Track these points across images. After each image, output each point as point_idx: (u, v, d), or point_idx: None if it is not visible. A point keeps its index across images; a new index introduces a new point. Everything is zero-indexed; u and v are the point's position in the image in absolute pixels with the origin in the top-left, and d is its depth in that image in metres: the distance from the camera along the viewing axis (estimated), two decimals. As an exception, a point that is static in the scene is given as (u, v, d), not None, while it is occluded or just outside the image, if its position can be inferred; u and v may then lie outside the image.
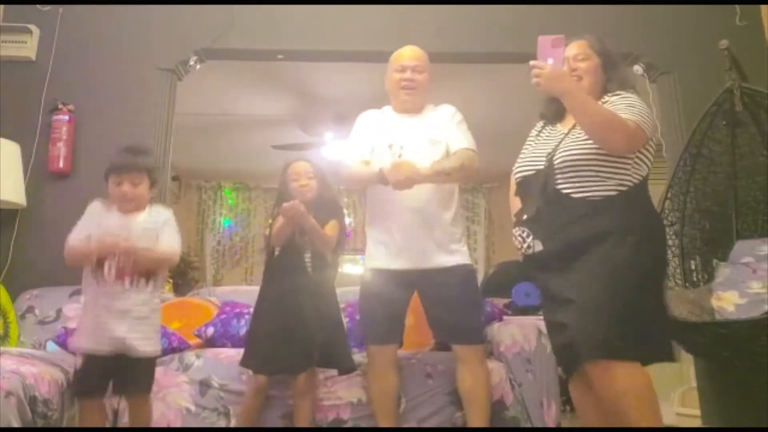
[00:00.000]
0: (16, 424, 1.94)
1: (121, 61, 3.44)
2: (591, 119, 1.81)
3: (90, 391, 2.04)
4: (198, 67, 3.60)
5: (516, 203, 2.05)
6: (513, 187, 2.09)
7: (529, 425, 2.46)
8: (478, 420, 2.26)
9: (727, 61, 2.57)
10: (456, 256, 2.31)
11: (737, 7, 3.48)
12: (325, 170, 2.49)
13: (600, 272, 1.77)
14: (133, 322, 2.02)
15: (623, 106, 1.86)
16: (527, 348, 2.54)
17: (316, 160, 2.55)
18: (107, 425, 2.23)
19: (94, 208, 2.13)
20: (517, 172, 2.04)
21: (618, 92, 1.93)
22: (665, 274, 2.03)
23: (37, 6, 3.46)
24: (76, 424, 2.12)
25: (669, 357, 1.84)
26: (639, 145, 1.85)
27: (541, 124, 2.12)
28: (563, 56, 1.85)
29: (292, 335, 2.24)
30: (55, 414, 2.09)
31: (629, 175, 1.85)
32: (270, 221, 2.47)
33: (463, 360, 2.32)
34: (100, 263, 2.02)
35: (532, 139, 2.09)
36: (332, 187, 2.54)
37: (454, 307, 2.27)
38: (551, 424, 2.48)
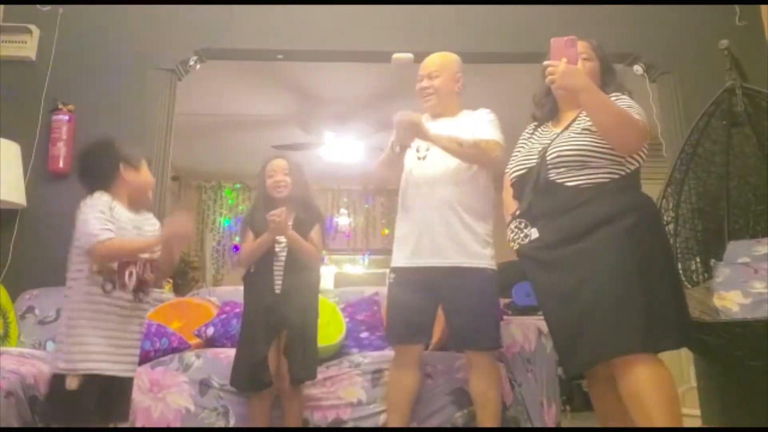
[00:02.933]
0: (16, 424, 1.94)
1: (121, 61, 3.45)
2: (608, 116, 1.81)
3: (85, 419, 1.77)
4: (198, 67, 3.60)
5: (510, 205, 2.04)
6: (507, 188, 2.09)
7: (529, 425, 2.45)
8: (488, 423, 2.25)
9: (727, 61, 2.57)
10: (476, 258, 2.25)
11: (737, 7, 3.49)
12: (304, 170, 2.48)
13: (601, 264, 1.75)
14: (134, 338, 1.90)
15: (623, 106, 1.87)
16: (527, 348, 2.54)
17: (306, 160, 2.54)
18: None
19: (106, 200, 1.85)
20: (512, 173, 2.04)
21: (615, 94, 1.94)
22: (670, 254, 1.98)
23: (37, 6, 3.47)
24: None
25: (684, 342, 1.83)
26: (644, 144, 1.87)
27: (533, 126, 2.12)
28: (577, 56, 1.86)
29: (262, 355, 2.23)
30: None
31: (621, 165, 1.86)
32: (244, 229, 2.44)
33: (476, 365, 2.29)
34: (120, 269, 1.84)
35: (524, 141, 2.09)
36: (310, 187, 2.52)
37: (470, 313, 2.22)
38: (551, 424, 2.48)
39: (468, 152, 2.24)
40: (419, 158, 2.34)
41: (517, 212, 1.96)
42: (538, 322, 2.63)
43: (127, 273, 1.85)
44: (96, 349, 1.78)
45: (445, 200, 2.26)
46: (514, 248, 1.98)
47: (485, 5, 3.59)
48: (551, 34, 1.89)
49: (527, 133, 2.12)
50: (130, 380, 1.91)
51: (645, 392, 1.67)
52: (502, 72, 4.15)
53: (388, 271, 2.41)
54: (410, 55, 3.63)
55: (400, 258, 2.32)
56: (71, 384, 1.75)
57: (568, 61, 1.81)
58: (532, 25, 3.49)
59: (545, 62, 1.84)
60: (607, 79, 2.01)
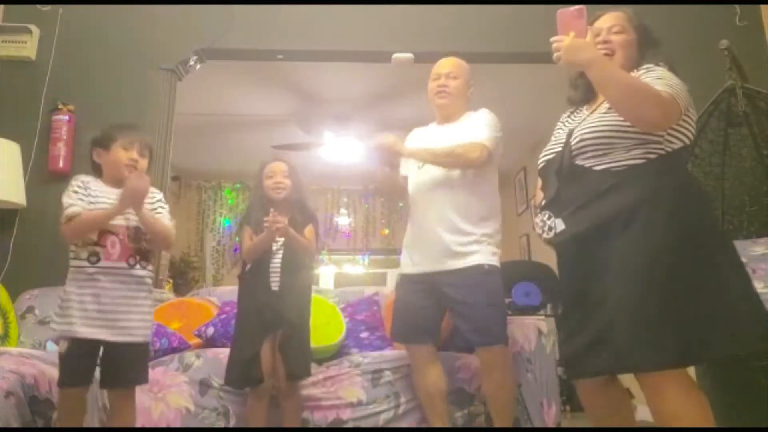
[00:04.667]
0: (15, 424, 1.94)
1: (121, 61, 3.45)
2: (619, 90, 1.61)
3: (75, 381, 1.90)
4: (198, 67, 3.60)
5: (539, 195, 1.89)
6: (539, 181, 1.93)
7: (529, 425, 2.46)
8: (497, 422, 2.28)
9: (727, 61, 2.57)
10: (471, 257, 2.27)
11: (737, 7, 3.49)
12: (300, 172, 2.51)
13: (635, 261, 1.55)
14: (133, 305, 1.93)
15: (652, 78, 1.66)
16: (527, 348, 2.54)
17: (306, 160, 2.55)
18: (87, 417, 2.09)
19: (84, 181, 1.99)
20: (540, 160, 1.86)
21: (647, 66, 1.73)
22: (717, 241, 1.66)
23: (37, 6, 3.47)
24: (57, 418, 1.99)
25: (754, 343, 1.57)
26: (673, 119, 1.63)
27: (568, 111, 1.93)
28: (585, 28, 1.68)
29: (254, 351, 2.23)
30: (55, 414, 2.09)
31: (659, 144, 1.63)
32: (241, 227, 2.46)
33: (483, 362, 2.32)
34: (102, 239, 1.91)
35: (558, 127, 1.91)
36: (306, 189, 2.54)
37: (472, 310, 2.24)
38: (551, 424, 2.48)
39: (444, 161, 2.31)
40: (418, 167, 2.40)
41: (543, 203, 1.80)
42: (538, 322, 2.64)
43: (109, 242, 1.92)
44: (80, 314, 1.87)
45: (442, 206, 2.32)
46: (544, 241, 1.82)
47: (484, 5, 3.59)
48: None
49: (562, 119, 1.93)
50: (135, 346, 1.94)
51: (679, 422, 1.51)
52: (503, 72, 4.16)
53: (389, 272, 2.45)
54: (410, 55, 3.63)
55: (406, 265, 2.41)
56: (61, 347, 1.90)
57: (576, 34, 1.65)
58: (531, 25, 3.48)
59: (552, 38, 1.67)
60: (646, 52, 1.79)
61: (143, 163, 2.03)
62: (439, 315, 2.36)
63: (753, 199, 2.59)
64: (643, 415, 1.76)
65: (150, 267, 2.03)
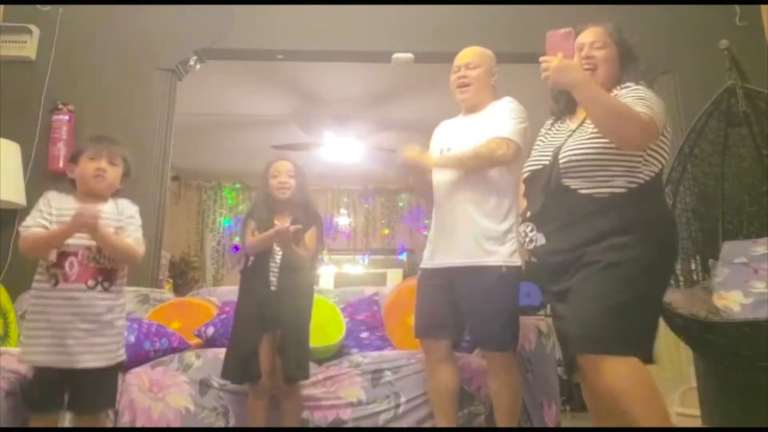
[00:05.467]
0: (16, 424, 1.94)
1: (121, 61, 3.46)
2: (603, 111, 1.72)
3: (43, 407, 1.87)
4: (198, 67, 3.61)
5: (524, 203, 2.00)
6: (522, 186, 2.03)
7: (529, 425, 2.45)
8: (501, 423, 2.26)
9: (727, 61, 2.57)
10: (488, 256, 2.21)
11: (737, 7, 3.49)
12: (305, 173, 2.48)
13: (600, 268, 1.72)
14: (95, 329, 1.86)
15: (632, 98, 1.77)
16: (527, 348, 2.53)
17: (306, 160, 2.53)
18: None
19: (48, 199, 1.95)
20: (525, 169, 1.98)
21: (628, 84, 1.84)
22: (670, 272, 1.90)
23: (37, 6, 3.48)
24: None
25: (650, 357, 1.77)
26: (652, 139, 1.77)
27: (551, 120, 2.03)
28: (573, 49, 1.79)
29: (255, 347, 2.24)
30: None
31: (640, 172, 1.77)
32: (245, 222, 2.45)
33: (488, 364, 2.31)
34: (60, 261, 1.86)
35: (541, 136, 2.01)
36: (310, 190, 2.52)
37: (480, 313, 2.20)
38: (551, 424, 2.48)
39: (472, 164, 2.24)
40: None
41: (528, 214, 1.91)
42: (538, 322, 2.63)
43: (67, 264, 1.88)
44: (42, 341, 1.83)
45: (460, 200, 2.28)
46: (526, 251, 1.96)
47: (485, 5, 3.59)
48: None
49: (545, 127, 2.03)
50: (99, 371, 1.87)
51: (622, 389, 1.65)
52: (500, 72, 4.16)
53: (389, 272, 2.43)
54: (410, 55, 3.64)
55: (424, 258, 2.39)
56: (29, 374, 1.90)
57: (564, 55, 1.75)
58: (531, 24, 3.49)
59: (541, 58, 1.77)
60: (627, 66, 1.89)
61: (113, 171, 1.98)
62: (457, 311, 2.26)
63: (753, 199, 2.59)
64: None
65: (117, 286, 1.95)
